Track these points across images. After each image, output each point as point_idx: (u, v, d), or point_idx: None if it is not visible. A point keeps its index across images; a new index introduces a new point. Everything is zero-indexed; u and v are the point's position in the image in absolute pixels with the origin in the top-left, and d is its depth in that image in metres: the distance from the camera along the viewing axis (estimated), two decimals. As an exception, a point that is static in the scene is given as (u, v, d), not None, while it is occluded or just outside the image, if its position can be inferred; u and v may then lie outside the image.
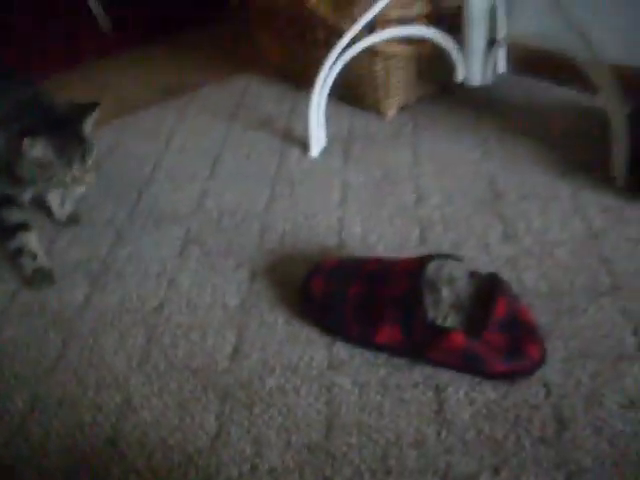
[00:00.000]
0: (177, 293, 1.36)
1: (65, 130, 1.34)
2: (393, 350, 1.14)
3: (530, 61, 2.01)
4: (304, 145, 1.82)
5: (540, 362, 1.09)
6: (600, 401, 1.03)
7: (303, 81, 2.05)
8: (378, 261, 1.26)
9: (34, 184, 1.38)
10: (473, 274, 1.16)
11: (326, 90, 1.76)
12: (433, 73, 1.97)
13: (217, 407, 1.11)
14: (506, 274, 1.23)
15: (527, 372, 1.08)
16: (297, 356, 1.18)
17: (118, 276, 1.43)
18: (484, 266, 1.28)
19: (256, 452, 1.03)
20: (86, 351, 1.26)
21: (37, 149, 1.29)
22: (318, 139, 1.80)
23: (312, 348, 1.19)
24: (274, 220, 1.54)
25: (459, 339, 1.06)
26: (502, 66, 1.99)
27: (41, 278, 1.43)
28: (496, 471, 0.95)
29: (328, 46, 1.78)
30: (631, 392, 1.04)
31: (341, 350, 1.18)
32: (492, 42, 1.79)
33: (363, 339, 1.17)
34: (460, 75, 1.80)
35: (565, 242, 1.36)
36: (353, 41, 1.72)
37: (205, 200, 1.65)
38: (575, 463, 0.95)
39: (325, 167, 1.73)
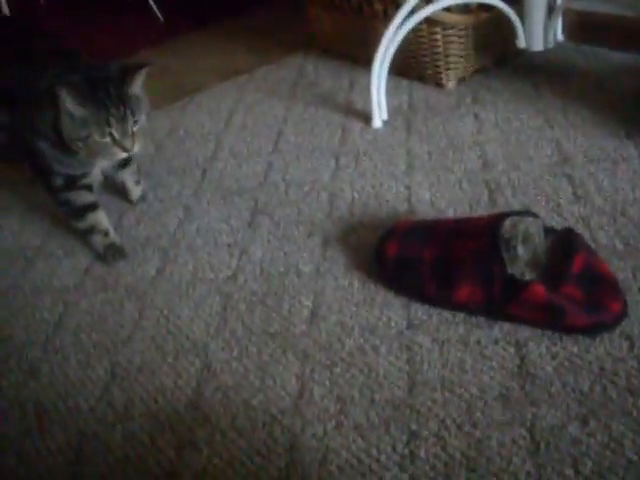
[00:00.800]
0: (250, 262, 1.37)
1: (106, 87, 1.27)
2: (473, 308, 1.14)
3: (586, 27, 2.00)
4: (366, 118, 1.83)
5: (622, 315, 1.08)
6: (686, 351, 1.03)
7: (360, 56, 2.07)
8: (452, 221, 1.26)
9: (78, 146, 1.30)
10: (549, 230, 1.16)
11: (387, 62, 1.75)
12: (490, 44, 1.96)
13: (298, 369, 1.12)
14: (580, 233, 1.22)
15: (609, 325, 1.08)
16: (375, 317, 1.19)
17: (189, 249, 1.45)
18: (557, 226, 1.28)
19: (340, 410, 1.03)
20: (163, 320, 1.27)
21: (69, 99, 1.23)
22: (380, 111, 1.80)
23: (389, 309, 1.20)
24: (342, 190, 1.55)
25: (540, 290, 1.05)
26: (559, 34, 1.97)
27: (114, 253, 1.45)
28: (584, 421, 0.95)
29: (387, 18, 1.78)
30: None
31: (419, 310, 1.18)
32: (551, 8, 1.78)
33: (442, 299, 1.17)
34: (522, 42, 1.79)
35: (637, 200, 1.35)
36: (412, 12, 1.71)
37: (270, 173, 1.66)
38: (665, 411, 0.95)
39: (389, 138, 1.74)
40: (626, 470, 0.88)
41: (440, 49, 1.88)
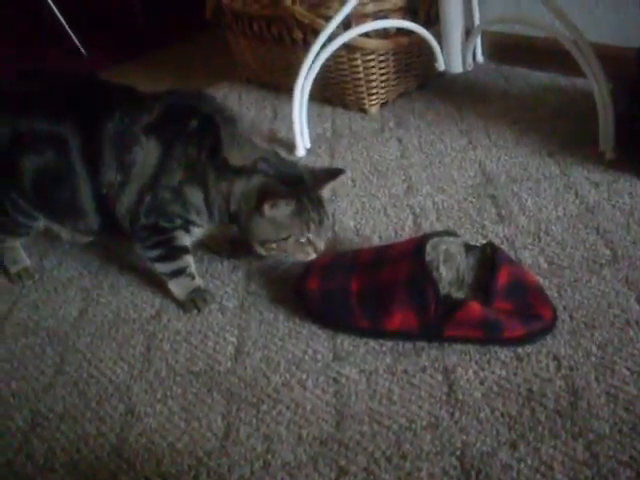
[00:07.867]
0: (173, 300, 1.34)
1: (305, 190, 1.23)
2: (407, 335, 1.13)
3: (506, 48, 2.02)
4: (290, 146, 1.82)
5: (554, 321, 1.10)
6: (612, 369, 1.02)
7: (283, 84, 2.06)
8: (373, 250, 1.25)
9: (271, 247, 1.26)
10: (470, 247, 1.15)
11: (307, 89, 1.75)
12: (412, 68, 1.97)
13: (223, 408, 1.09)
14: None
15: (544, 332, 1.09)
16: (301, 350, 1.16)
17: (112, 288, 1.41)
18: (481, 247, 1.28)
19: (267, 449, 1.01)
20: (85, 364, 1.23)
21: (276, 210, 1.20)
22: (303, 139, 1.79)
23: (315, 341, 1.18)
24: (265, 221, 1.52)
25: (476, 308, 1.05)
26: (479, 56, 1.99)
27: (202, 297, 1.34)
28: (514, 446, 0.94)
29: (306, 46, 1.77)
30: (642, 358, 1.03)
31: (345, 341, 1.16)
32: (468, 31, 1.79)
33: (374, 330, 1.15)
34: (441, 64, 1.80)
35: (560, 218, 1.36)
36: (331, 39, 1.71)
37: (194, 207, 1.62)
38: (593, 432, 0.93)
39: (312, 166, 1.71)
40: (556, 495, 0.87)
41: (361, 75, 1.88)
